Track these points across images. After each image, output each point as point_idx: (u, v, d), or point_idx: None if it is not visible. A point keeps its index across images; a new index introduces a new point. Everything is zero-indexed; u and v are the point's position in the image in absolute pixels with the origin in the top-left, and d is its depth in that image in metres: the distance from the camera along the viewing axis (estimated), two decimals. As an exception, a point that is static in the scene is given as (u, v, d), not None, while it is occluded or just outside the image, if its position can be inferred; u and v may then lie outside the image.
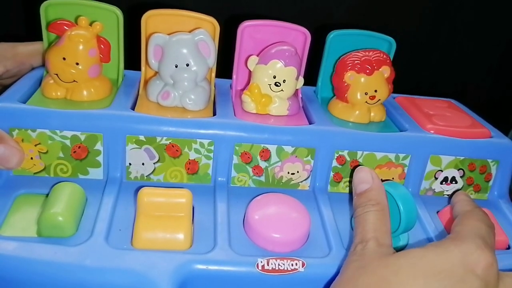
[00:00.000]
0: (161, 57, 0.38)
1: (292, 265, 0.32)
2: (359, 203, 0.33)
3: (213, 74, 0.41)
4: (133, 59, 0.47)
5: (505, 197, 0.43)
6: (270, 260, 0.31)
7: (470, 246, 0.28)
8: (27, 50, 0.42)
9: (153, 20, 0.39)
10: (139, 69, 0.42)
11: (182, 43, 0.38)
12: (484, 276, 0.28)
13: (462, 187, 0.42)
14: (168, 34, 0.38)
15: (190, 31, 0.38)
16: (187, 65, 0.38)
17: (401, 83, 0.46)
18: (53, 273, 0.30)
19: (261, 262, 0.31)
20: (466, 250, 0.28)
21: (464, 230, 0.30)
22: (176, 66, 0.38)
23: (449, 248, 0.29)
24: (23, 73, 0.42)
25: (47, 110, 0.36)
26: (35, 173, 0.37)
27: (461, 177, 0.41)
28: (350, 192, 0.40)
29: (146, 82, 0.41)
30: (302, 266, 0.32)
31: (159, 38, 0.38)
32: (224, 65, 0.44)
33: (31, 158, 0.36)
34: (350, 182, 0.40)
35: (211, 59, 0.39)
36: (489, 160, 0.41)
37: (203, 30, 0.38)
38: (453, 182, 0.41)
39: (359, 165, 0.39)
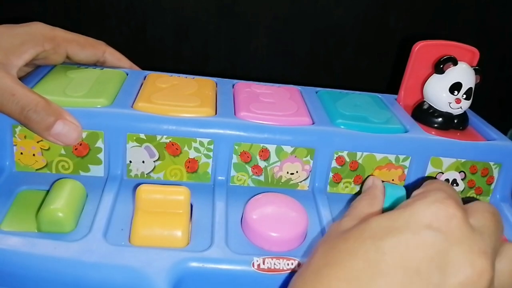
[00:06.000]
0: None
1: (288, 264, 0.32)
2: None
3: None
4: (138, 57, 0.47)
5: (507, 200, 0.42)
6: (266, 259, 0.32)
7: (423, 202, 0.27)
8: (66, 35, 0.41)
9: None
10: (144, 68, 0.42)
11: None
12: (443, 227, 0.25)
13: (463, 190, 0.42)
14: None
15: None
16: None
17: (400, 83, 0.46)
18: (51, 268, 0.30)
19: (257, 261, 0.31)
20: (418, 207, 0.27)
21: (423, 190, 0.29)
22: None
23: (402, 209, 0.27)
24: (56, 59, 0.41)
25: (50, 107, 0.36)
26: (37, 170, 0.37)
27: (462, 179, 0.41)
28: (350, 193, 0.40)
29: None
30: (298, 266, 0.32)
31: None
32: (232, 64, 0.44)
33: (33, 155, 0.37)
34: (350, 183, 0.40)
35: None
36: (491, 163, 0.41)
37: None
38: (454, 184, 0.41)
39: (359, 166, 0.39)
